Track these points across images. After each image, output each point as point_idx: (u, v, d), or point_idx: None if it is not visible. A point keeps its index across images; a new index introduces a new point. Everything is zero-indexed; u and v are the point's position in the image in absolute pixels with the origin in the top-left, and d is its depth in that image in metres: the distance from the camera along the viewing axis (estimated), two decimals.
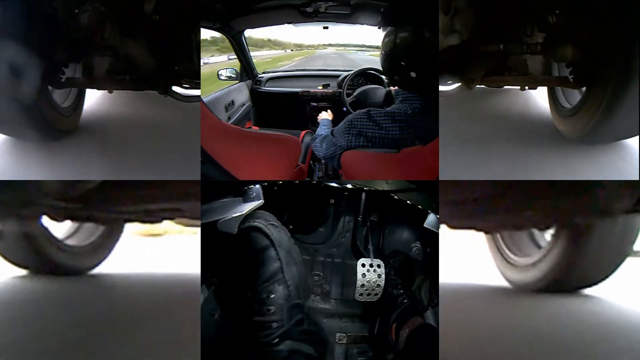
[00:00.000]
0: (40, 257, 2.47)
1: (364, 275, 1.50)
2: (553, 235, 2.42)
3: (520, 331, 1.68)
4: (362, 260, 1.52)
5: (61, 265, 2.55)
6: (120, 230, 2.97)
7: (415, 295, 1.59)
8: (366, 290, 1.52)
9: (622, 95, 1.80)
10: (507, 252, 2.75)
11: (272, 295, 0.98)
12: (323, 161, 2.81)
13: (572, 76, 2.11)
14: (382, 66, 1.61)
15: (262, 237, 1.06)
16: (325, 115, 2.46)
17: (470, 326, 1.75)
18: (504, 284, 2.73)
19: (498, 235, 2.84)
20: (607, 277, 2.32)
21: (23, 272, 2.54)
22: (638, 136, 2.13)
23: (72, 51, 2.11)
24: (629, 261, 2.30)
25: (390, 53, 1.53)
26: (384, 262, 1.51)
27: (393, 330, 1.27)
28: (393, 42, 1.51)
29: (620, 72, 1.78)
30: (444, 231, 2.50)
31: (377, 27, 1.62)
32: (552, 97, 2.45)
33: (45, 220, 2.44)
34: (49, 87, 2.14)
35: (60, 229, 2.68)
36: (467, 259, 3.78)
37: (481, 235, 2.89)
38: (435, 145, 1.31)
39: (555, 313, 2.02)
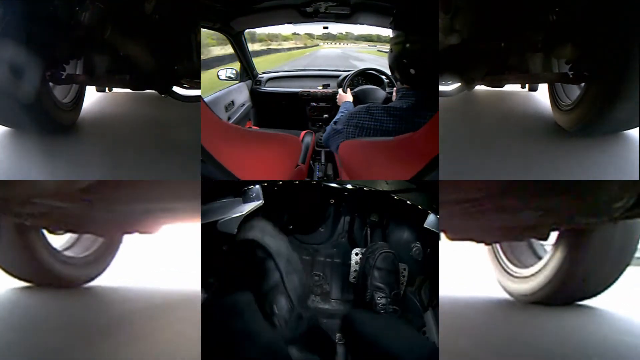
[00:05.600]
0: (38, 269, 2.46)
1: (356, 262, 1.64)
2: (553, 246, 2.40)
3: (519, 344, 1.67)
4: (356, 250, 1.66)
5: (59, 276, 2.53)
6: (118, 242, 2.95)
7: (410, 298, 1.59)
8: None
9: (619, 89, 1.82)
10: (507, 263, 2.74)
11: (275, 308, 0.97)
12: (323, 161, 2.82)
13: (571, 72, 2.12)
14: (388, 63, 1.67)
15: (259, 249, 1.05)
16: (346, 98, 2.45)
17: (469, 337, 1.75)
18: (504, 295, 2.72)
19: (497, 246, 2.83)
20: (607, 287, 2.30)
21: (22, 284, 2.52)
22: (638, 133, 2.14)
23: (72, 48, 2.12)
24: (630, 270, 2.29)
25: (399, 54, 1.58)
26: (364, 255, 1.55)
27: None
28: (402, 45, 1.56)
29: (619, 67, 1.80)
30: (443, 240, 2.49)
31: (389, 26, 1.70)
32: (552, 92, 2.45)
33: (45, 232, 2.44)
34: (50, 83, 2.16)
35: (58, 240, 2.66)
36: (466, 269, 3.77)
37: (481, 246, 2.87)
38: (426, 131, 1.33)
39: (554, 325, 2.01)
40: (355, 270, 1.63)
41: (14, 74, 1.83)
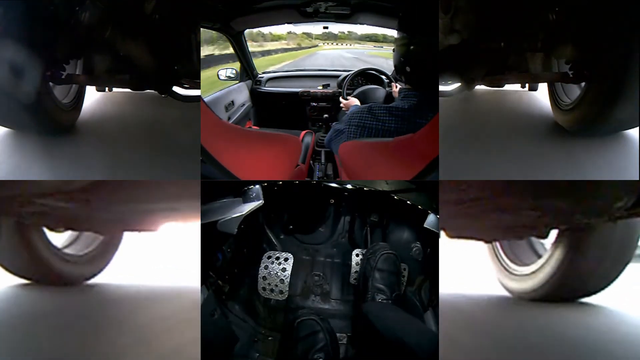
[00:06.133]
0: (39, 266, 2.46)
1: (357, 263, 1.63)
2: (553, 244, 2.40)
3: (519, 341, 1.67)
4: (356, 251, 1.66)
5: (60, 274, 2.53)
6: (119, 240, 2.96)
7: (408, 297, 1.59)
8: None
9: (620, 89, 1.82)
10: (507, 261, 2.74)
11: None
12: (323, 161, 2.82)
13: (571, 72, 2.12)
14: (394, 63, 1.68)
15: (315, 324, 1.38)
16: (353, 103, 2.44)
17: (470, 336, 1.75)
18: (504, 293, 2.73)
19: (497, 245, 2.83)
20: (608, 285, 2.30)
21: (22, 281, 2.52)
22: (638, 134, 2.14)
23: (73, 48, 2.12)
24: (631, 267, 2.29)
25: (403, 55, 1.60)
26: (366, 256, 1.55)
27: None
28: (407, 46, 1.57)
29: (619, 66, 1.80)
30: (443, 238, 2.48)
31: (395, 29, 1.74)
32: (552, 92, 2.45)
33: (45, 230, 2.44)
34: (50, 83, 2.16)
35: (59, 237, 2.66)
36: (467, 267, 3.77)
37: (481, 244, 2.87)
38: (426, 133, 1.33)
39: (554, 322, 2.01)
40: (355, 272, 1.62)
41: (14, 74, 1.83)
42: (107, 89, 3.24)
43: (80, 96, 2.54)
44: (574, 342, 1.64)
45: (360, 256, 1.63)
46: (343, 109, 2.51)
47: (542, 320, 2.06)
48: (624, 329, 1.88)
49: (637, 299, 2.55)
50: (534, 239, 2.68)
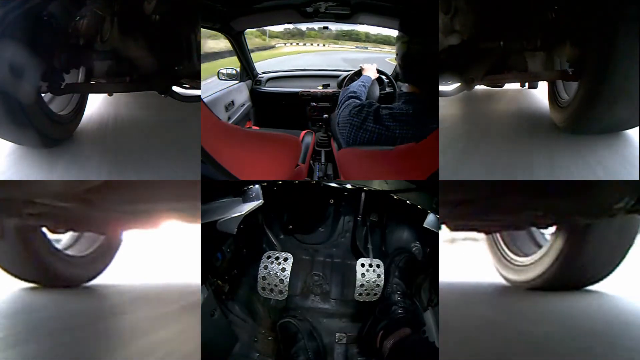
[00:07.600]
0: (40, 268, 2.46)
1: (363, 275, 1.52)
2: (553, 235, 2.41)
3: (519, 331, 1.67)
4: (361, 260, 1.55)
5: (61, 275, 2.53)
6: (119, 241, 2.96)
7: (415, 303, 1.58)
8: (365, 290, 1.52)
9: (614, 88, 1.83)
10: (507, 251, 2.74)
11: None
12: (323, 161, 2.82)
13: (571, 69, 2.12)
14: (397, 62, 1.71)
15: (293, 326, 1.43)
16: (368, 71, 2.42)
17: (469, 326, 1.75)
18: (503, 282, 2.73)
19: (497, 235, 2.83)
20: (608, 275, 2.31)
21: (23, 284, 2.52)
22: (638, 135, 2.14)
23: (72, 57, 2.07)
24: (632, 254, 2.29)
25: (405, 55, 1.61)
26: (386, 261, 1.52)
27: (378, 337, 1.28)
28: (407, 46, 1.58)
29: (608, 65, 1.80)
30: (444, 230, 2.48)
31: (397, 29, 1.75)
32: (553, 89, 2.45)
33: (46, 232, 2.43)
34: (45, 95, 2.09)
35: (59, 239, 2.66)
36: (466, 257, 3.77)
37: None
38: (429, 143, 1.32)
39: (555, 311, 2.01)
40: (361, 285, 1.51)
41: (9, 85, 1.77)
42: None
43: (81, 106, 2.48)
44: (576, 328, 1.64)
45: (366, 266, 1.54)
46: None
47: (541, 309, 2.07)
48: (624, 314, 1.88)
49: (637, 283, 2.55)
50: (534, 229, 2.69)
